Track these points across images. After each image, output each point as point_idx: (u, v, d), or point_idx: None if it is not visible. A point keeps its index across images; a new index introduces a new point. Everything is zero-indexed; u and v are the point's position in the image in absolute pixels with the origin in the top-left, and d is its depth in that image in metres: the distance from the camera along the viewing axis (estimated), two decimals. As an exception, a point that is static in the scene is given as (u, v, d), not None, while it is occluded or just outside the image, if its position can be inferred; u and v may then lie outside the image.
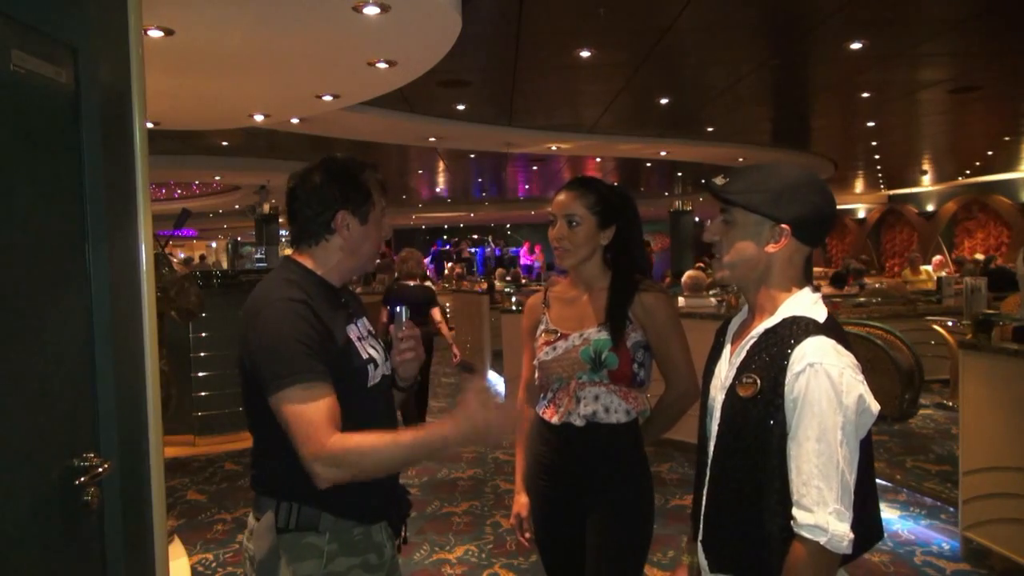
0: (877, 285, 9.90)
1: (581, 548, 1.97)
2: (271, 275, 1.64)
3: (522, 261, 22.64)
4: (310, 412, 1.41)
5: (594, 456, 1.94)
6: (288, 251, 1.73)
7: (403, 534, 1.73)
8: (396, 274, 6.61)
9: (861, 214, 20.84)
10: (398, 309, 1.75)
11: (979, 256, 13.68)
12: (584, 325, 1.96)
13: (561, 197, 1.98)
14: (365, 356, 1.60)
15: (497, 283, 11.31)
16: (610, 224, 1.97)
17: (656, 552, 3.55)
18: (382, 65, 4.71)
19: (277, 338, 1.45)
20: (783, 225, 1.36)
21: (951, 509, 4.02)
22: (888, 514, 4.08)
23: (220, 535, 4.09)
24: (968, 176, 15.81)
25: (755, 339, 1.37)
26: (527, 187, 17.02)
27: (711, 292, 6.85)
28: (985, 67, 6.53)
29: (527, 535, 2.07)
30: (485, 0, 4.46)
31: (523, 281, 13.19)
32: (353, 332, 1.62)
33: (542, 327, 2.05)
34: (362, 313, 1.74)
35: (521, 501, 2.07)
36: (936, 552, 3.63)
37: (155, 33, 3.85)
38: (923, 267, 11.90)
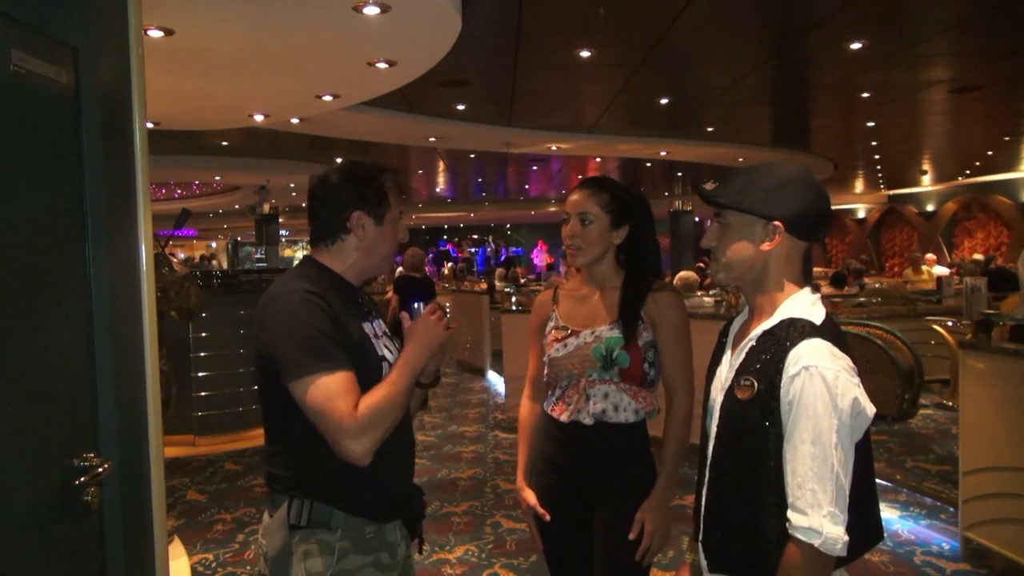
0: (877, 285, 9.90)
1: (585, 545, 1.97)
2: (288, 272, 1.69)
3: (536, 260, 22.64)
4: (336, 398, 1.45)
5: (602, 454, 1.94)
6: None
7: (420, 535, 1.73)
8: (401, 268, 6.90)
9: (861, 214, 20.84)
10: (416, 305, 1.76)
11: (978, 256, 13.66)
12: (596, 323, 1.96)
13: (575, 196, 1.99)
14: (380, 354, 1.63)
15: (497, 283, 11.31)
16: (623, 223, 1.97)
17: (656, 552, 3.55)
18: (382, 65, 4.71)
19: (293, 325, 1.49)
20: (776, 222, 1.36)
21: (951, 509, 4.02)
22: (888, 514, 4.08)
23: (220, 535, 4.09)
24: (968, 176, 15.81)
25: (753, 341, 1.38)
26: (527, 187, 17.01)
27: (712, 292, 6.86)
28: (985, 67, 6.53)
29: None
30: (485, 0, 4.46)
31: (522, 281, 13.18)
32: (368, 329, 1.64)
33: (551, 324, 2.04)
34: (378, 315, 1.77)
35: (526, 495, 2.05)
36: (936, 552, 3.63)
37: (155, 33, 3.85)
38: (925, 267, 11.83)
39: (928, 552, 3.64)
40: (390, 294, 6.64)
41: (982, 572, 3.40)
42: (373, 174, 1.68)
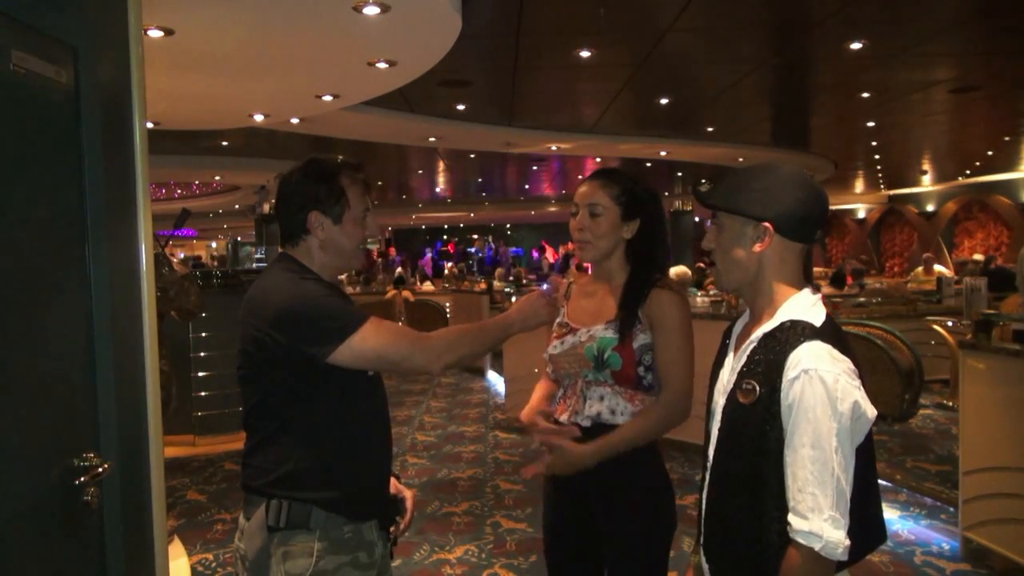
0: (877, 285, 9.89)
1: (586, 550, 1.96)
2: (271, 270, 1.69)
3: (550, 259, 22.59)
4: (392, 326, 1.59)
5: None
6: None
7: (392, 536, 1.73)
8: None
9: (861, 214, 20.83)
10: (545, 284, 1.89)
11: (978, 256, 13.65)
12: (597, 321, 1.90)
13: (584, 188, 1.91)
14: None
15: (497, 283, 11.30)
16: (634, 217, 1.90)
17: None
18: (382, 65, 4.71)
19: (312, 302, 1.55)
20: (765, 223, 1.36)
21: (951, 509, 4.02)
22: (888, 514, 4.08)
23: (220, 535, 4.09)
24: (968, 176, 15.81)
25: (754, 343, 1.37)
26: (527, 187, 17.01)
27: (711, 293, 6.85)
28: (985, 67, 6.52)
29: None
30: (485, 0, 4.46)
31: (523, 281, 13.17)
32: None
33: (558, 319, 1.99)
34: None
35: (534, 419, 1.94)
36: (936, 552, 3.63)
37: (155, 33, 3.85)
38: (937, 267, 11.73)
39: (928, 552, 3.64)
40: (391, 292, 6.68)
41: (982, 572, 3.40)
42: (330, 172, 1.64)
